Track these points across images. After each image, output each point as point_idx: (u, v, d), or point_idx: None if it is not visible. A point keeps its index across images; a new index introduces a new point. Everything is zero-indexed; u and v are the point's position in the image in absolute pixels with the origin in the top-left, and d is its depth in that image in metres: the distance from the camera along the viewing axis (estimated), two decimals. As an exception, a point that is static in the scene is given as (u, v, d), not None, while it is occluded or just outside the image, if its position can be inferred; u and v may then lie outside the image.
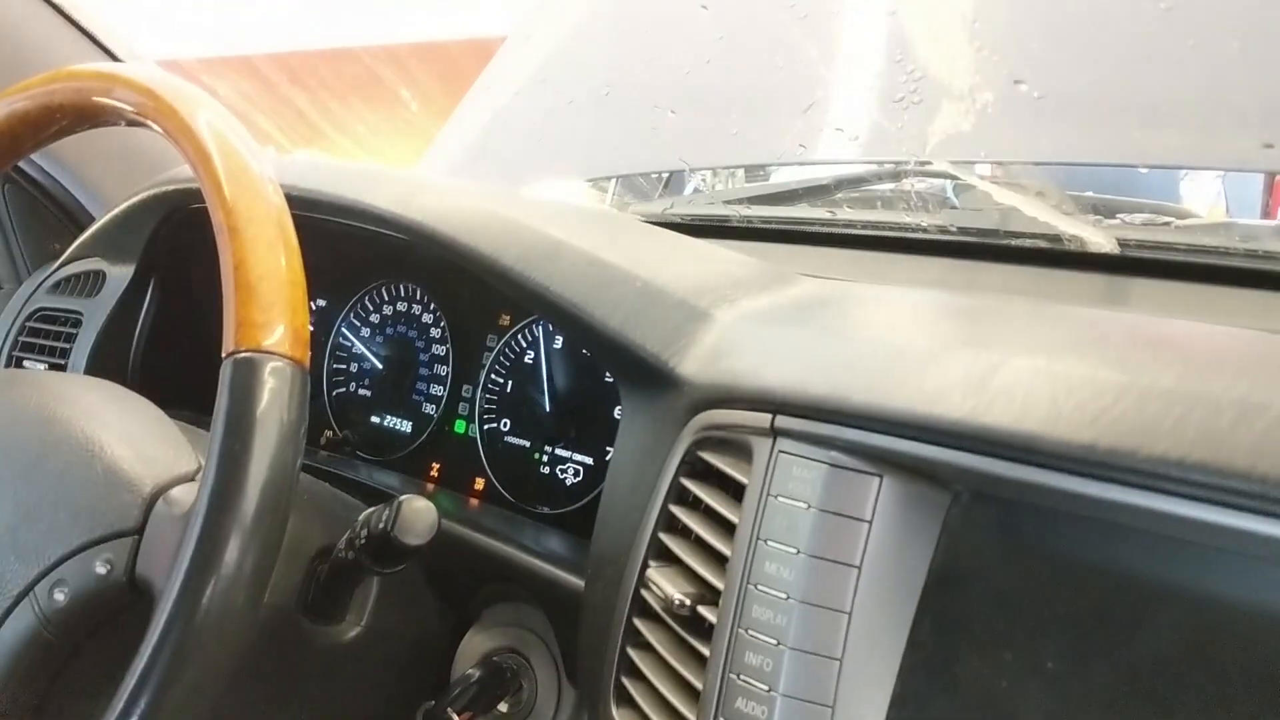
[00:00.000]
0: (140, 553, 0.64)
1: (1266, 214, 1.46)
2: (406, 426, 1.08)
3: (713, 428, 0.67)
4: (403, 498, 0.70)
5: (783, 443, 0.61)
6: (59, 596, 0.64)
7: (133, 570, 0.63)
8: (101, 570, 0.63)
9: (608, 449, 0.93)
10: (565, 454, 0.97)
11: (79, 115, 0.76)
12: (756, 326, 0.73)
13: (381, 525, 0.69)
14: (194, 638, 0.57)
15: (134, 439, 0.70)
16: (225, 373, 0.61)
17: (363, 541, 0.71)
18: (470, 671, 0.82)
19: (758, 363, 0.66)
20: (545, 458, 0.98)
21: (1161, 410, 0.46)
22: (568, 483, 0.96)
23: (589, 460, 0.95)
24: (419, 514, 0.69)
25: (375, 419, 1.11)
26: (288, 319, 0.62)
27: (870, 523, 0.58)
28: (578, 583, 0.78)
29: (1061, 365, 0.51)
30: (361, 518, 0.72)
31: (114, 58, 1.29)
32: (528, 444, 0.99)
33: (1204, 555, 0.50)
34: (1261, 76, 0.88)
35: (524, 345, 1.01)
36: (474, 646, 0.87)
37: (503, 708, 0.85)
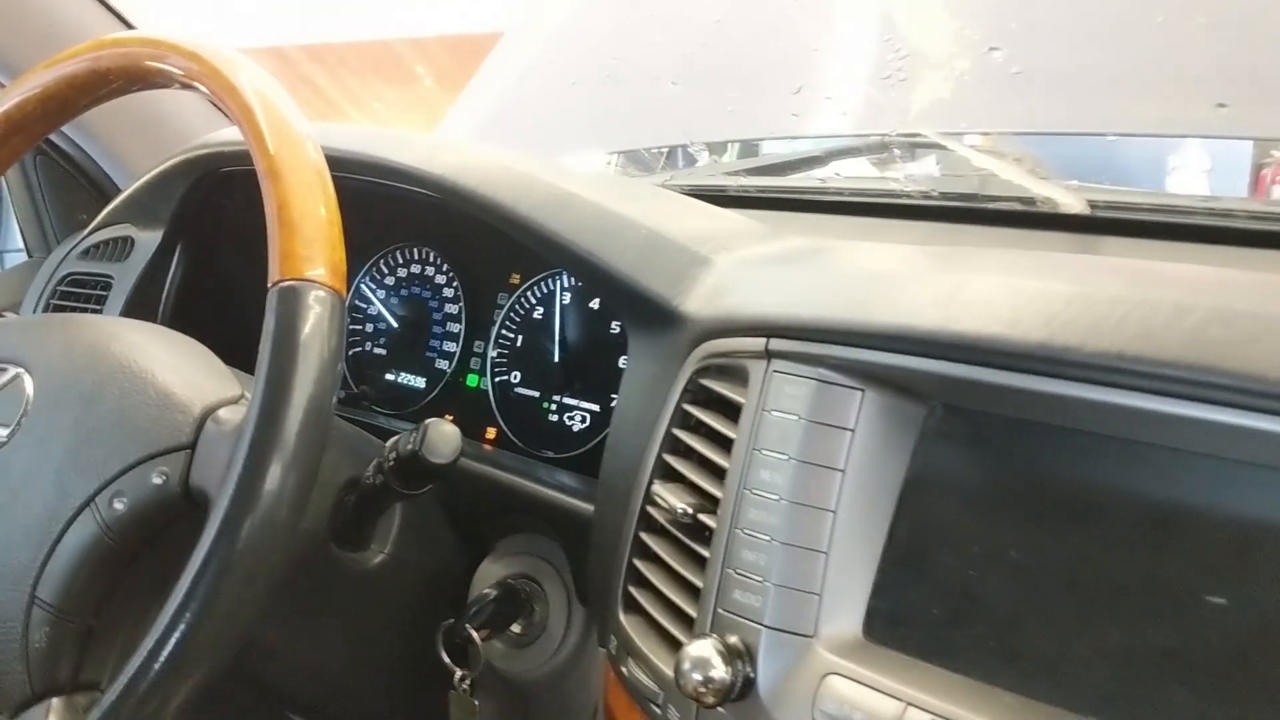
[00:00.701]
0: (194, 465, 0.70)
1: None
2: (420, 382, 1.15)
3: (713, 356, 0.74)
4: (429, 421, 0.76)
5: (776, 363, 0.68)
6: (119, 506, 0.70)
7: (187, 480, 0.70)
8: (158, 481, 0.70)
9: (613, 396, 0.99)
10: (573, 402, 1.03)
11: (128, 79, 0.83)
12: (753, 268, 0.80)
13: (410, 446, 0.76)
14: (246, 535, 0.63)
15: (182, 368, 0.76)
16: (271, 300, 0.67)
17: (391, 464, 0.77)
18: (487, 591, 0.89)
19: (754, 296, 0.73)
20: (554, 406, 1.04)
21: (1105, 312, 0.53)
22: (575, 429, 1.03)
23: (595, 407, 1.02)
24: (445, 435, 0.76)
25: (391, 375, 1.17)
26: (327, 254, 0.69)
27: (854, 431, 0.64)
28: (587, 508, 0.84)
29: (1020, 281, 0.58)
30: (390, 443, 0.78)
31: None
32: (537, 394, 1.06)
33: (1145, 458, 0.57)
34: (1221, 47, 0.95)
35: (533, 302, 1.08)
36: (489, 574, 0.94)
37: (516, 628, 0.91)
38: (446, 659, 0.88)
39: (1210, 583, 0.55)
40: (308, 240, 0.68)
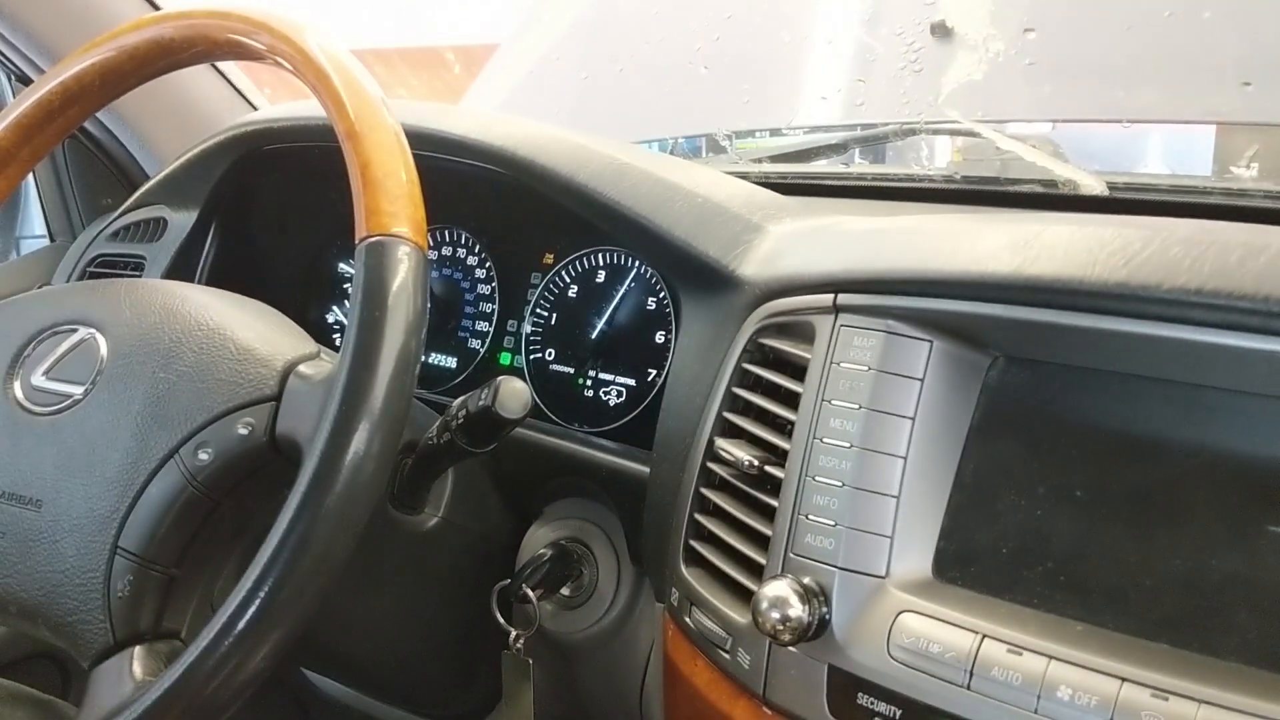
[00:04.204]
0: (279, 416, 0.72)
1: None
2: (452, 361, 1.17)
3: (775, 315, 0.77)
4: (500, 379, 0.78)
5: (844, 318, 0.71)
6: (203, 456, 0.72)
7: (273, 431, 0.71)
8: (243, 431, 0.72)
9: (649, 370, 1.02)
10: (609, 378, 1.05)
11: (196, 50, 0.84)
12: (808, 233, 0.83)
13: (482, 402, 0.78)
14: (339, 487, 0.64)
15: (255, 326, 0.78)
16: (360, 254, 0.69)
17: (460, 421, 0.79)
18: (542, 552, 0.91)
19: (817, 255, 0.76)
20: (589, 382, 1.07)
21: (1181, 252, 0.56)
22: (611, 404, 1.05)
23: (631, 382, 1.04)
24: (515, 391, 0.78)
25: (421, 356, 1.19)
26: (410, 212, 0.71)
27: (922, 381, 0.68)
28: (642, 470, 0.87)
29: (1092, 228, 0.61)
30: (457, 403, 0.80)
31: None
32: (572, 370, 1.08)
33: (1202, 401, 0.61)
34: (1238, 35, 1.00)
35: (567, 280, 1.10)
36: (538, 539, 0.96)
37: (565, 590, 0.93)
38: (501, 619, 0.90)
39: (1271, 513, 0.58)
40: (393, 197, 0.70)
